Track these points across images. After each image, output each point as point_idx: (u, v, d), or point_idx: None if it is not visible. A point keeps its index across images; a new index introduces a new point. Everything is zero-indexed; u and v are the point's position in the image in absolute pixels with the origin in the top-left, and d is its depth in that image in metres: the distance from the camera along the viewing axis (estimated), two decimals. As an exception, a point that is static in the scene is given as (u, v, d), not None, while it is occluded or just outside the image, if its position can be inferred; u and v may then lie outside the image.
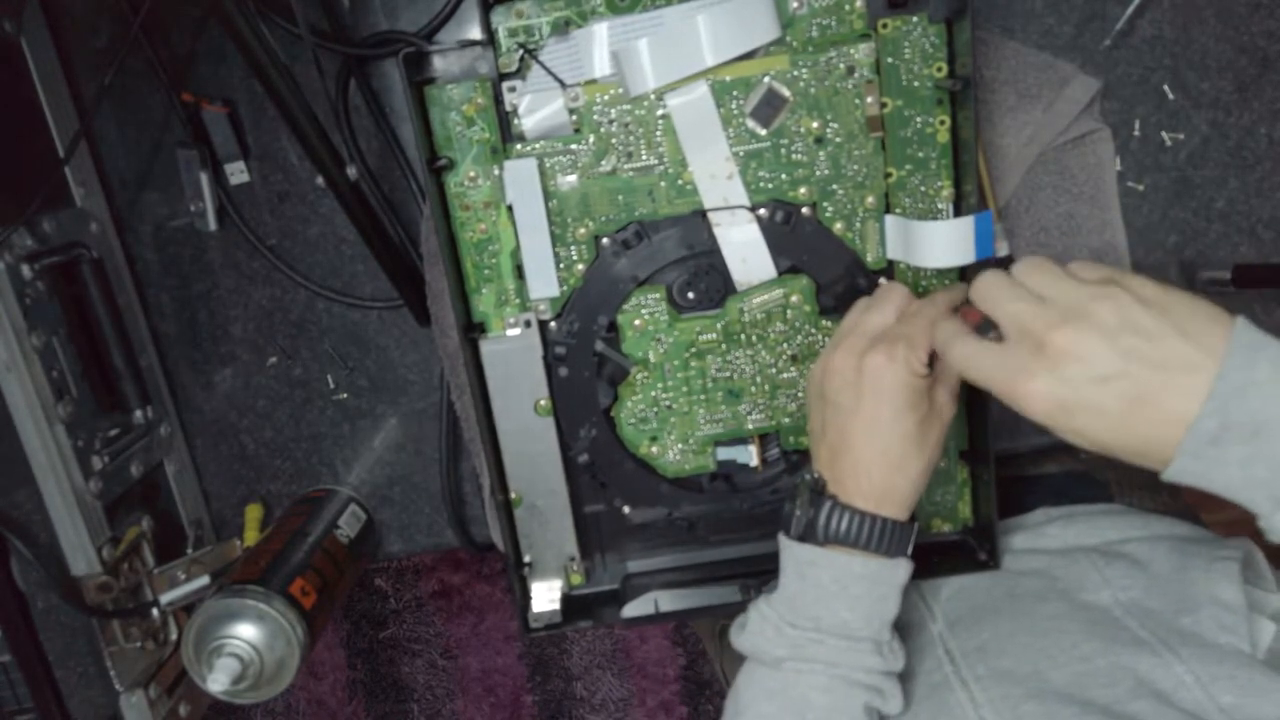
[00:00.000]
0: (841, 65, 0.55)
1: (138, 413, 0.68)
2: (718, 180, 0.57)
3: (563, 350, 0.60)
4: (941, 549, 0.62)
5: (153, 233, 0.70)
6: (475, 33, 0.60)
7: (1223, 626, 0.49)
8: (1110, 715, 0.45)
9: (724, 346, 0.60)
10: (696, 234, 0.58)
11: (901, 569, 0.50)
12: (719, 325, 0.59)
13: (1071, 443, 0.43)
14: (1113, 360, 0.41)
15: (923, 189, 0.57)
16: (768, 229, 0.58)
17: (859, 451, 0.49)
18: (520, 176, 0.57)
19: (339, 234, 0.69)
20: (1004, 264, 0.53)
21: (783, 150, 0.57)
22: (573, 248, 0.58)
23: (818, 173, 0.57)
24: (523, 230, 0.58)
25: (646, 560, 0.65)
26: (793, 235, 0.58)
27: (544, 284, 0.59)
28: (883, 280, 0.59)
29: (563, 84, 0.56)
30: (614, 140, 0.57)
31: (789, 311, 0.59)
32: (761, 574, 0.61)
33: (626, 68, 0.55)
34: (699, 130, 0.56)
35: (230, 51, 0.65)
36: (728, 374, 0.60)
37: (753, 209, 0.57)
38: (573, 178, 0.57)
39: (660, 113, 0.56)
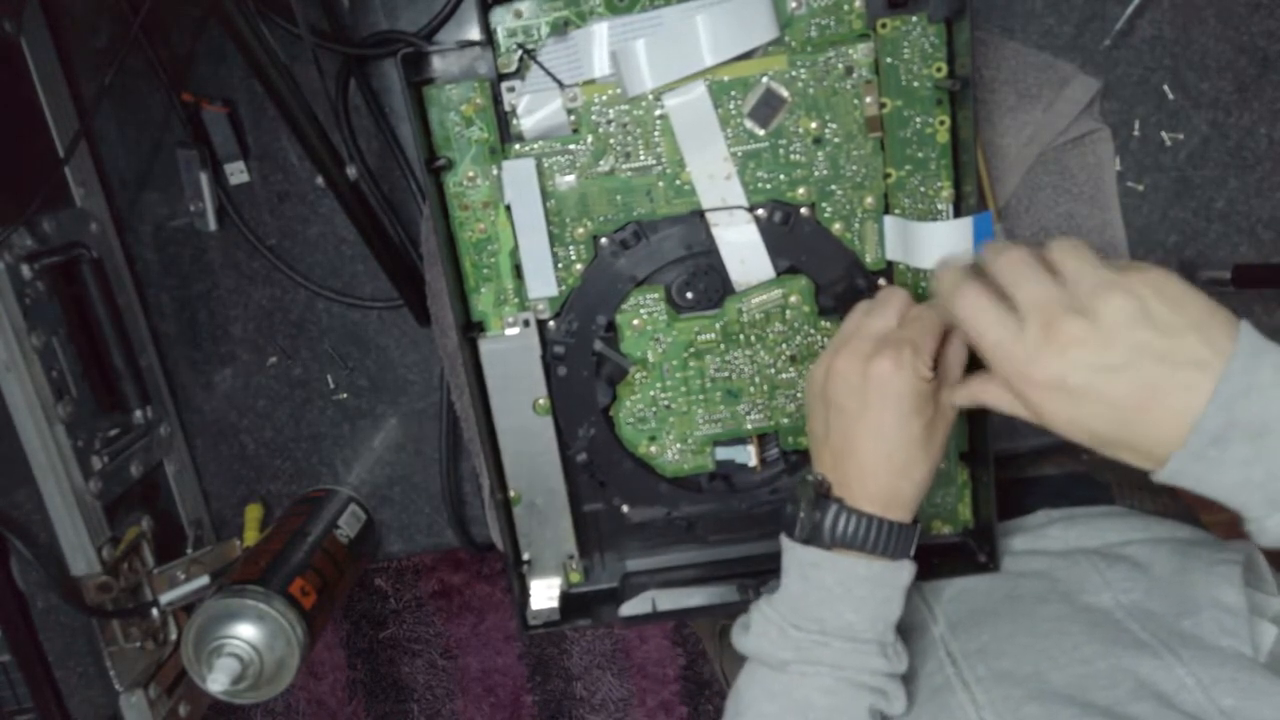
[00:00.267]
0: (840, 65, 0.55)
1: (138, 413, 0.68)
2: (716, 180, 0.57)
3: (561, 350, 0.60)
4: (942, 551, 0.62)
5: (153, 233, 0.70)
6: (474, 33, 0.60)
7: (1224, 629, 0.49)
8: (1111, 717, 0.45)
9: (722, 346, 0.60)
10: (695, 234, 0.58)
11: (905, 570, 0.50)
12: (717, 325, 0.59)
13: (1067, 436, 0.43)
14: (1124, 351, 0.40)
15: (922, 189, 0.57)
16: (766, 229, 0.58)
17: (865, 456, 0.49)
18: (519, 176, 0.57)
19: (339, 234, 0.69)
20: None
21: (781, 150, 0.57)
22: (571, 247, 0.58)
23: (816, 173, 0.57)
24: (521, 230, 0.58)
25: (645, 559, 0.65)
26: (791, 236, 0.58)
27: (542, 284, 0.59)
28: (882, 282, 0.58)
29: (561, 84, 0.56)
30: (612, 140, 0.57)
31: (788, 312, 0.59)
32: (760, 574, 0.61)
33: (625, 68, 0.55)
34: (697, 130, 0.56)
35: (230, 51, 0.66)
36: (726, 374, 0.60)
37: (751, 209, 0.57)
38: (571, 178, 0.57)
39: (658, 113, 0.56)
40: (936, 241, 0.55)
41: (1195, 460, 0.40)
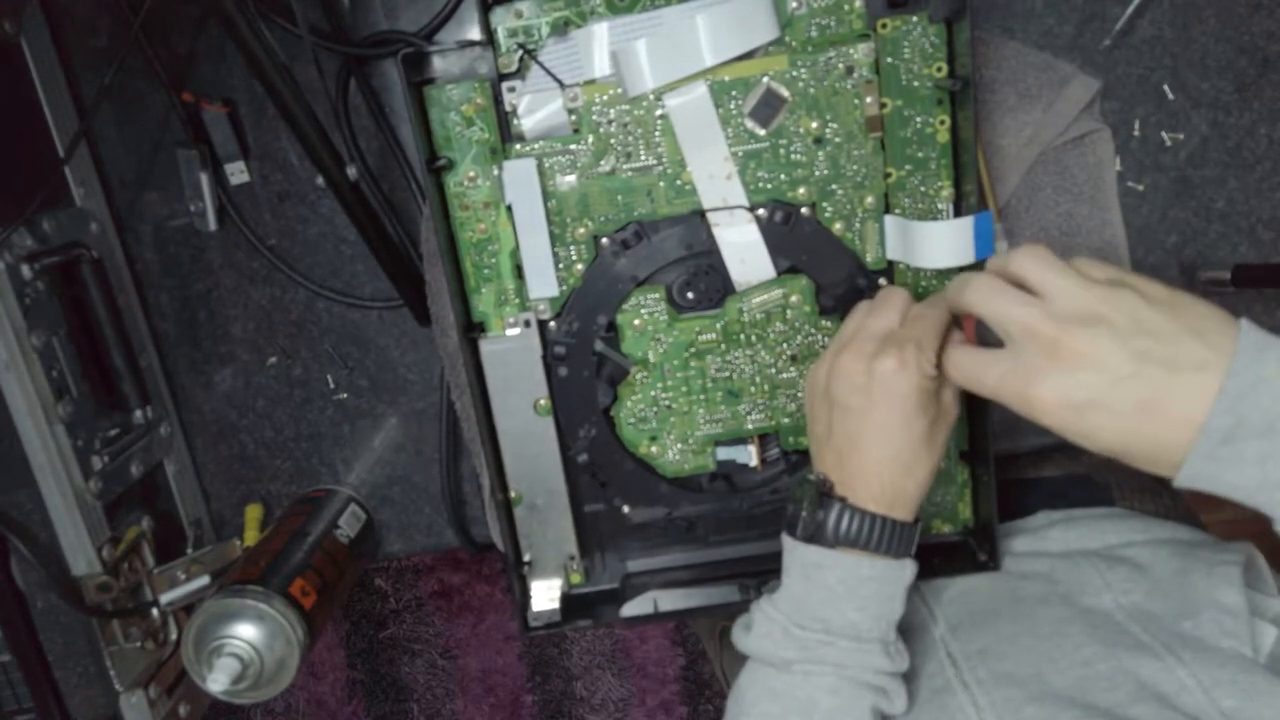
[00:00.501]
0: (841, 65, 0.55)
1: (138, 413, 0.68)
2: (716, 180, 0.57)
3: (562, 350, 0.60)
4: (942, 550, 0.62)
5: (153, 233, 0.70)
6: (475, 33, 0.60)
7: (1224, 630, 0.49)
8: (1112, 718, 0.45)
9: (723, 346, 0.60)
10: (695, 234, 0.58)
11: (908, 569, 0.50)
12: (718, 325, 0.59)
13: (1081, 446, 0.43)
14: (1126, 362, 0.40)
15: (922, 189, 0.57)
16: (767, 229, 0.57)
17: (869, 455, 0.49)
18: (519, 176, 0.57)
19: (339, 234, 0.69)
20: (978, 265, 0.53)
21: (782, 150, 0.57)
22: (572, 247, 0.58)
23: (817, 173, 0.57)
24: (522, 230, 0.58)
25: (646, 560, 0.65)
26: (792, 235, 0.58)
27: (543, 284, 0.59)
28: (883, 282, 0.58)
29: (562, 84, 0.56)
30: (613, 140, 0.57)
31: (788, 312, 0.59)
32: (761, 574, 0.61)
33: (625, 68, 0.55)
34: (698, 130, 0.56)
35: (230, 51, 0.65)
36: (727, 374, 0.60)
37: (752, 209, 0.57)
38: (572, 178, 0.57)
39: (659, 113, 0.56)
40: (937, 241, 0.55)
41: (1208, 461, 0.39)
